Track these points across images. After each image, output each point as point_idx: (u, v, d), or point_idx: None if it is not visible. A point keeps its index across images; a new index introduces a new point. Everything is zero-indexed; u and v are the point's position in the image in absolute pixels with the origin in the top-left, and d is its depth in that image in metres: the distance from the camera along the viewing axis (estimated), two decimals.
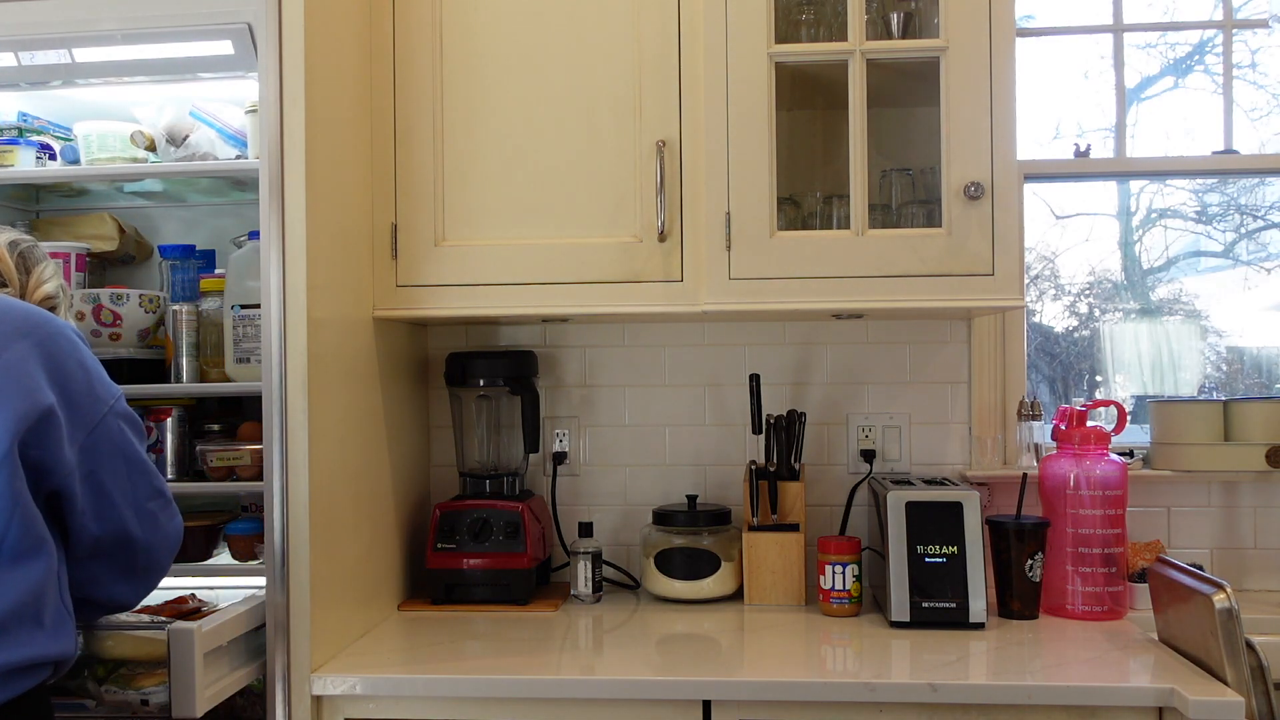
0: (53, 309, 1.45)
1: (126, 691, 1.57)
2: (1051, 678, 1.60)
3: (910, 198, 2.08)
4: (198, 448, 1.90)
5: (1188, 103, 2.63)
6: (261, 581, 1.69)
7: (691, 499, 2.22)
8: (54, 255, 1.97)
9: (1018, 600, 1.97)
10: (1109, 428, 2.11)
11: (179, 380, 1.91)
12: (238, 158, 1.93)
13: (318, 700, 1.66)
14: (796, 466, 2.13)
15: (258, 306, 1.76)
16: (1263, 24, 2.44)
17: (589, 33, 1.96)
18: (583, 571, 2.14)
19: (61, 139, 2.01)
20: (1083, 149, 2.37)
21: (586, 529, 2.19)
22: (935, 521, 1.92)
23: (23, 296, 1.42)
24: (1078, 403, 2.32)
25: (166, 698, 1.50)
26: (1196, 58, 2.67)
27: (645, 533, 2.19)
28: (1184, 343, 2.64)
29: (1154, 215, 2.72)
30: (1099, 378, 2.68)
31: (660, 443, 2.33)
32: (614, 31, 1.95)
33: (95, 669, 1.60)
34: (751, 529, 2.11)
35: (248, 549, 1.92)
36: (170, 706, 1.49)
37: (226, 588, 1.93)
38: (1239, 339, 2.65)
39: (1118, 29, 2.39)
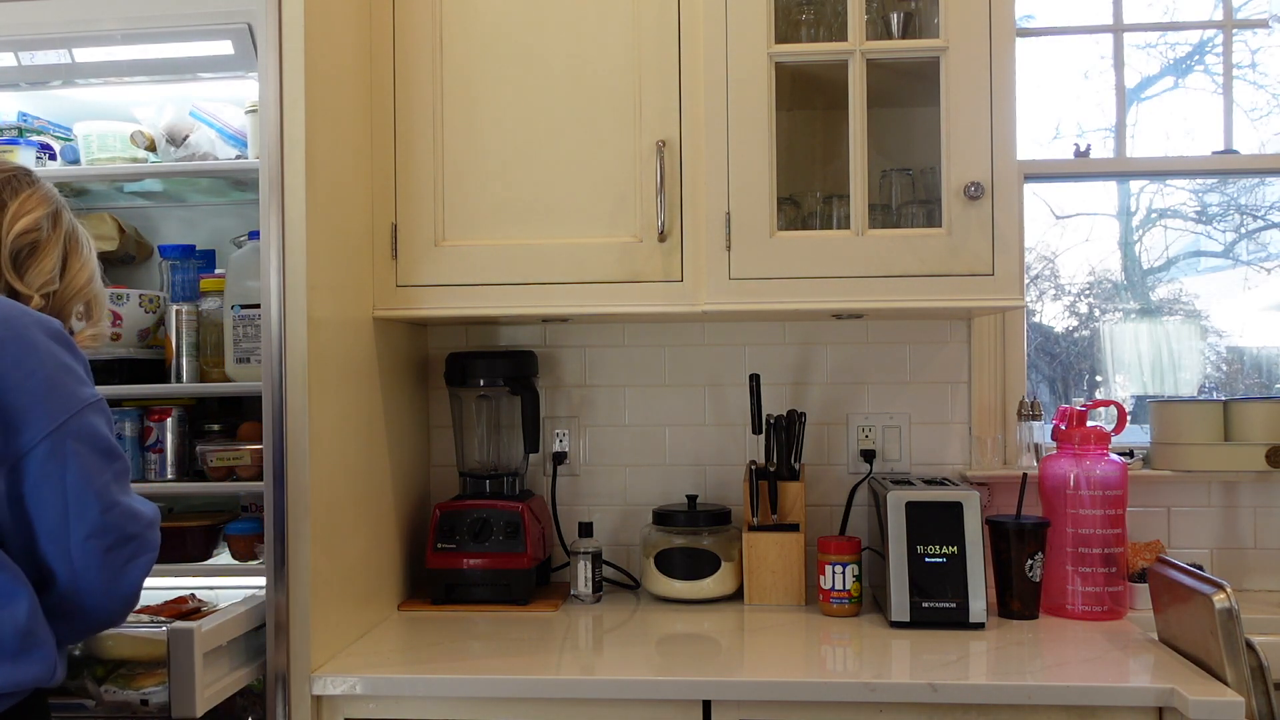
0: (33, 244, 1.32)
1: (126, 691, 1.57)
2: (1051, 678, 1.60)
3: (910, 198, 2.08)
4: (198, 448, 1.90)
5: (1188, 103, 2.64)
6: (261, 581, 1.69)
7: (691, 499, 2.22)
8: None
9: (1018, 600, 1.97)
10: (1109, 428, 2.11)
11: (179, 380, 1.91)
12: (238, 158, 1.93)
13: (318, 700, 1.66)
14: (796, 466, 2.13)
15: (258, 306, 1.76)
16: (1263, 24, 2.44)
17: (589, 33, 1.96)
18: (583, 571, 2.14)
19: (61, 139, 2.01)
20: (1083, 149, 2.37)
21: (586, 529, 2.19)
22: (935, 521, 1.91)
23: None
24: (1078, 403, 2.32)
25: (166, 698, 1.50)
26: (1196, 58, 2.68)
27: (645, 533, 2.19)
28: (1184, 343, 2.64)
29: (1154, 215, 2.72)
30: (1099, 378, 2.68)
31: (660, 443, 2.33)
32: (614, 32, 1.95)
33: (95, 669, 1.60)
34: (751, 529, 2.11)
35: (248, 549, 1.92)
36: (170, 706, 1.48)
37: (226, 588, 1.94)
38: (1239, 339, 2.65)
39: (1118, 29, 2.39)
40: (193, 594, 1.85)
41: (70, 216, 1.40)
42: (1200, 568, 1.82)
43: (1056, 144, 2.58)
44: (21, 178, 1.35)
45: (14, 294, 1.30)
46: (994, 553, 1.99)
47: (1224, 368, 2.67)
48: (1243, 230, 2.66)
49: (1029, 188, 2.38)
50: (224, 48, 1.75)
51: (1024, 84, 2.09)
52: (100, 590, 1.23)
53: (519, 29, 1.97)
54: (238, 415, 2.04)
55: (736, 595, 2.13)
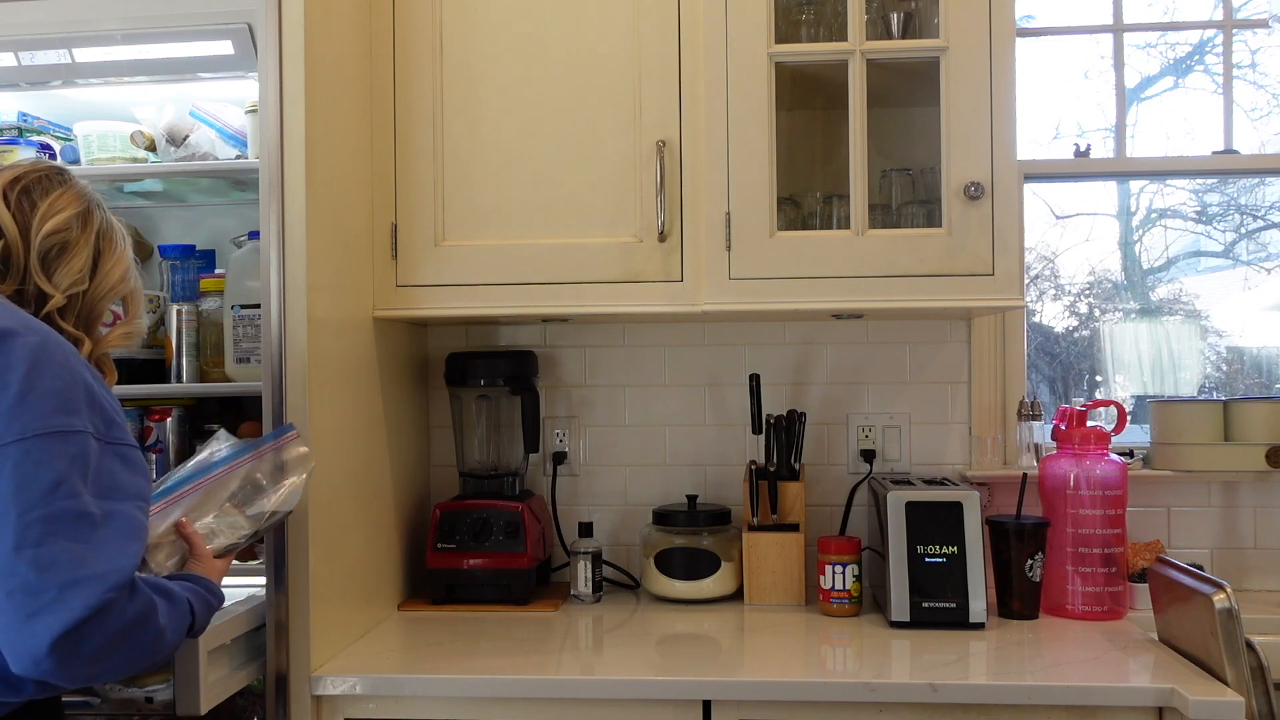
0: (63, 245, 1.29)
1: (131, 689, 1.57)
2: (1051, 678, 1.60)
3: (910, 198, 2.08)
4: (198, 448, 1.90)
5: (1188, 103, 2.64)
6: (261, 581, 1.69)
7: (691, 499, 2.22)
8: None
9: (1018, 600, 1.97)
10: (1109, 428, 2.11)
11: (179, 380, 1.91)
12: (238, 158, 1.93)
13: (318, 700, 1.66)
14: (796, 466, 2.13)
15: (258, 306, 1.76)
16: (1263, 24, 2.43)
17: (589, 33, 1.96)
18: (583, 571, 2.14)
19: (61, 139, 2.01)
20: (1083, 149, 2.37)
21: (586, 529, 2.19)
22: (935, 521, 1.91)
23: (26, 235, 1.28)
24: (1078, 403, 2.32)
25: (171, 695, 1.51)
26: (1196, 58, 2.68)
27: (645, 533, 2.19)
28: (1184, 343, 2.64)
29: (1154, 215, 2.73)
30: (1099, 378, 2.68)
31: (660, 443, 2.33)
32: (614, 31, 1.95)
33: None
34: (751, 529, 2.11)
35: (248, 549, 1.91)
36: (175, 704, 1.49)
37: (227, 587, 1.92)
38: (1239, 339, 2.65)
39: (1118, 29, 2.39)
40: None
41: (104, 214, 1.37)
42: (1200, 568, 1.82)
43: (1056, 144, 2.58)
44: (53, 177, 1.33)
45: (41, 295, 1.28)
46: (994, 553, 1.99)
47: (1224, 368, 2.67)
48: (1243, 230, 2.66)
49: (1029, 188, 2.38)
50: (224, 48, 1.75)
51: (1024, 84, 2.09)
52: (4, 635, 1.09)
53: (519, 29, 1.97)
54: (238, 415, 2.04)
55: (736, 595, 2.13)
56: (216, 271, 2.05)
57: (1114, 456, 2.03)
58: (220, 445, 1.56)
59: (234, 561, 1.82)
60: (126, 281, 1.39)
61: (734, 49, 1.89)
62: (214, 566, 1.43)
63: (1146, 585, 1.90)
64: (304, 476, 1.58)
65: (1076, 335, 2.72)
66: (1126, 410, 2.21)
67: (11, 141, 1.91)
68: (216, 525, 1.47)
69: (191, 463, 1.52)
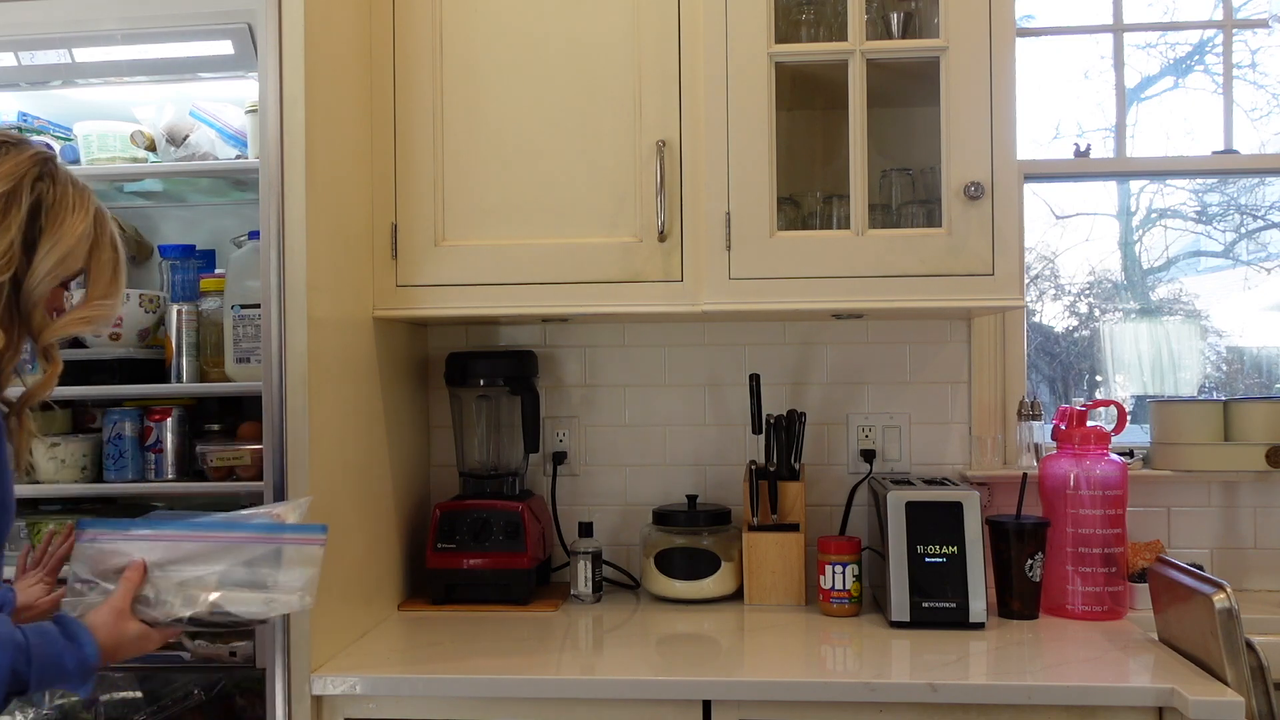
0: None
1: (216, 645, 1.78)
2: (1051, 678, 1.60)
3: (910, 198, 2.08)
4: (198, 448, 1.90)
5: (1188, 103, 2.64)
6: None
7: (691, 499, 2.22)
8: None
9: (1018, 600, 1.96)
10: (1109, 428, 2.11)
11: (179, 380, 1.91)
12: (238, 158, 1.93)
13: (318, 700, 1.66)
14: (796, 466, 2.13)
15: (258, 306, 1.76)
16: (1263, 24, 2.44)
17: (589, 33, 1.96)
18: (583, 571, 2.14)
19: (61, 139, 2.01)
20: (1083, 149, 2.37)
21: (586, 529, 2.19)
22: (935, 521, 1.91)
23: None
24: (1078, 403, 2.32)
25: (251, 651, 1.74)
26: (1196, 58, 2.68)
27: (645, 533, 2.19)
28: (1184, 343, 2.64)
29: (1154, 215, 2.73)
30: (1099, 378, 2.68)
31: (660, 443, 2.33)
32: (614, 31, 1.95)
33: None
34: (751, 529, 2.11)
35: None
36: (255, 658, 1.72)
37: None
38: (1239, 339, 2.65)
39: (1118, 29, 2.39)
40: None
41: (48, 185, 1.21)
42: (1200, 568, 1.82)
43: (1056, 144, 2.58)
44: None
45: None
46: (994, 553, 1.98)
47: (1224, 368, 2.67)
48: (1243, 230, 2.66)
49: (1029, 188, 2.37)
50: (224, 48, 1.75)
51: (1024, 84, 2.09)
52: None
53: (519, 29, 1.97)
54: (238, 415, 2.03)
55: (736, 595, 2.13)
56: (216, 271, 2.05)
57: (1114, 456, 2.03)
58: (276, 511, 1.40)
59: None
60: (75, 259, 1.23)
61: (734, 49, 1.89)
62: (119, 627, 1.24)
63: (1146, 585, 1.90)
64: (296, 597, 1.33)
65: (1076, 335, 2.72)
66: (1126, 410, 2.21)
67: None
68: (174, 593, 1.29)
69: (233, 514, 1.40)
